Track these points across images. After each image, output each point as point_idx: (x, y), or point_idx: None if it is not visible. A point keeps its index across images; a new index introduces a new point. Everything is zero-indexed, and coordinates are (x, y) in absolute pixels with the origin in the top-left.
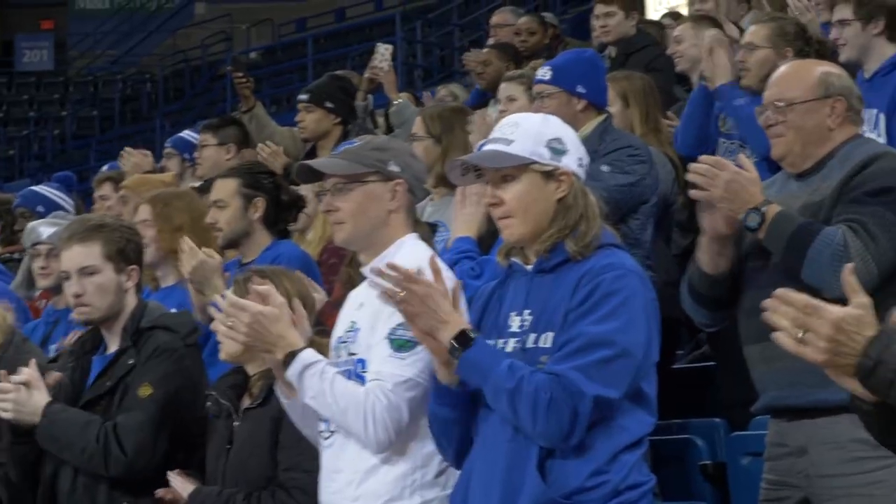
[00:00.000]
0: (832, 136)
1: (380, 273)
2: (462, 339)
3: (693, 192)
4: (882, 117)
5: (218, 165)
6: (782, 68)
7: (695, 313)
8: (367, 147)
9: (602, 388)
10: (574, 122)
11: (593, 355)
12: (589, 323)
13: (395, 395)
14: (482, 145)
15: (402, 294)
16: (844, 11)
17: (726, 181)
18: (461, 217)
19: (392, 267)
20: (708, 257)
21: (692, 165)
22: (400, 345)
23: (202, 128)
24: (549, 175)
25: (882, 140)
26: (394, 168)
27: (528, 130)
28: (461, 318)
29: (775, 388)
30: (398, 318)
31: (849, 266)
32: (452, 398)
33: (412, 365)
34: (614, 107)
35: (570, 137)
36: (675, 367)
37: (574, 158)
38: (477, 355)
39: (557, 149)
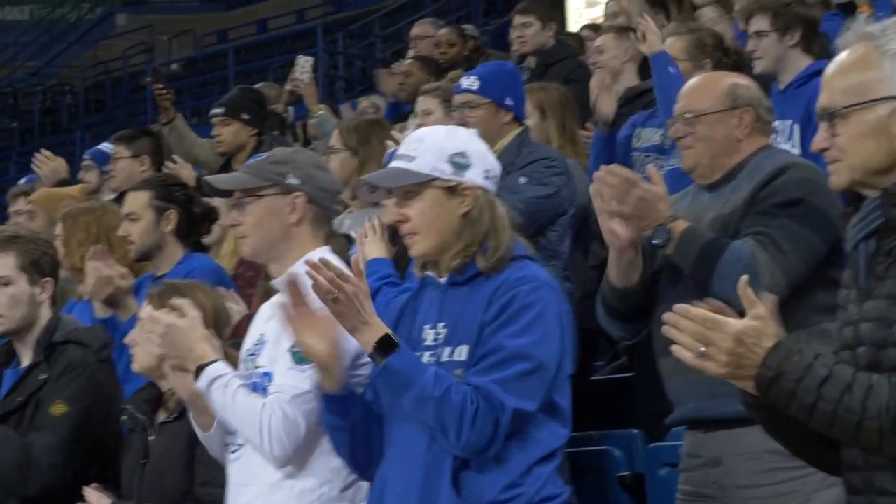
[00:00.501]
0: (741, 147)
1: (311, 270)
2: (385, 345)
3: (600, 206)
4: (797, 128)
5: (132, 177)
6: (692, 81)
7: (609, 326)
8: (269, 160)
9: (520, 401)
10: (498, 134)
11: (511, 369)
12: (506, 336)
13: (293, 408)
14: (388, 161)
15: (335, 292)
16: (761, 23)
17: (637, 198)
18: (371, 242)
19: (325, 263)
20: (617, 271)
21: (599, 177)
22: (300, 358)
23: (115, 140)
24: (453, 190)
25: (797, 151)
26: (293, 181)
27: (430, 146)
28: (383, 324)
29: (692, 399)
30: None
31: (744, 278)
32: (337, 405)
33: (312, 377)
34: (532, 118)
35: (476, 150)
36: (593, 378)
37: (479, 171)
38: (402, 362)
39: (460, 163)
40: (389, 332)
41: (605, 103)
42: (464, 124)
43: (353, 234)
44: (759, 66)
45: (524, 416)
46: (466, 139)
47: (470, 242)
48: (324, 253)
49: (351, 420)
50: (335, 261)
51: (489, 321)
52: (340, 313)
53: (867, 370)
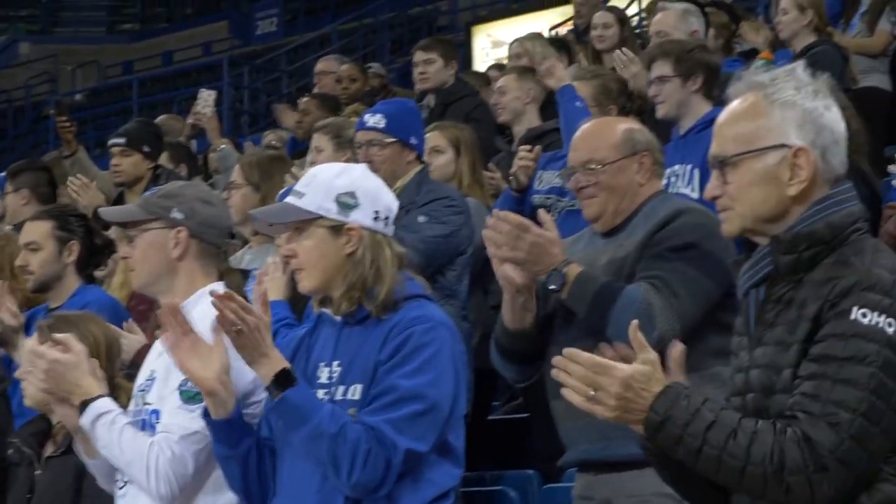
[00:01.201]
0: (640, 191)
1: (216, 301)
2: (283, 378)
3: (494, 252)
4: (696, 173)
5: (16, 212)
6: (583, 129)
7: (502, 368)
8: (157, 194)
9: (413, 442)
10: (401, 173)
11: (405, 409)
12: (400, 376)
13: (181, 448)
14: (282, 197)
15: (238, 324)
16: (664, 68)
17: (530, 243)
18: (271, 281)
19: (229, 296)
20: (511, 314)
21: (491, 223)
22: (189, 397)
23: (5, 172)
24: (337, 230)
25: (696, 195)
26: (177, 215)
27: (320, 184)
28: (283, 357)
29: (584, 441)
30: None
31: (634, 322)
32: (226, 433)
33: (201, 418)
34: (446, 154)
35: (367, 190)
36: (490, 417)
37: (368, 212)
38: (299, 397)
39: (347, 203)
40: (288, 366)
41: (523, 174)
42: (369, 162)
43: (252, 269)
44: (660, 111)
45: (417, 457)
46: (358, 179)
47: (353, 283)
48: (218, 288)
49: (241, 450)
50: None
51: (384, 361)
52: (242, 345)
53: (755, 416)
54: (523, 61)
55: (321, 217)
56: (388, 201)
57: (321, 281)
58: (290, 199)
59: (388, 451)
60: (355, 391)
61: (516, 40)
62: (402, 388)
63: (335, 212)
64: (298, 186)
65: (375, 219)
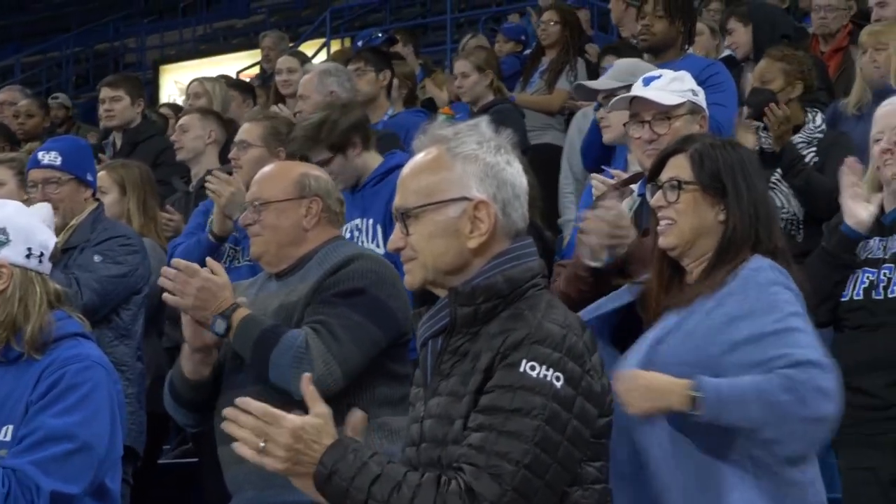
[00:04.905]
0: (308, 236)
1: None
2: None
3: (166, 297)
4: (380, 228)
5: None
6: (265, 169)
7: (175, 413)
8: None
9: (61, 484)
10: (79, 210)
11: (53, 449)
12: (50, 415)
13: None
14: None
15: None
16: (321, 155)
17: (198, 288)
18: None
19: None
20: (191, 365)
21: (163, 270)
22: None
23: None
24: None
25: (381, 251)
26: None
27: None
28: None
29: (250, 487)
30: None
31: (306, 376)
32: None
33: None
34: (111, 194)
35: (20, 227)
36: (161, 461)
37: (20, 250)
38: None
39: None
40: None
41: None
42: (47, 200)
43: None
44: (340, 186)
45: (66, 499)
46: (10, 215)
47: (1, 322)
48: None
49: None
50: None
51: (35, 401)
52: None
53: (428, 467)
54: (202, 101)
55: None
56: (44, 238)
57: None
58: None
59: (30, 493)
60: (7, 432)
61: (195, 80)
62: (50, 427)
63: None
64: None
65: (28, 256)
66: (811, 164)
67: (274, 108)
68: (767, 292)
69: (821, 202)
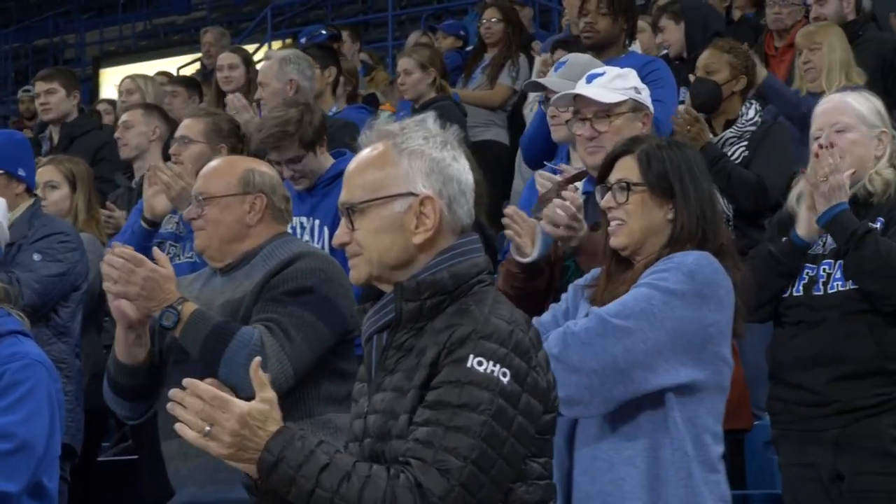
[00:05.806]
0: (252, 232)
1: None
2: None
3: (108, 287)
4: (326, 231)
5: None
6: (211, 163)
7: (114, 404)
8: None
9: (1, 482)
10: (11, 206)
11: None
12: None
13: None
14: None
15: None
16: (290, 152)
17: (143, 278)
18: None
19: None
20: (124, 347)
21: (107, 258)
22: None
23: None
24: None
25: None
26: None
27: None
28: None
29: (193, 484)
30: None
31: (256, 360)
32: None
33: None
34: (61, 189)
35: None
36: (100, 459)
37: None
38: None
39: None
40: None
41: (160, 202)
42: None
43: None
44: (301, 186)
45: (6, 498)
46: None
47: None
48: None
49: None
50: None
51: None
52: None
53: (372, 462)
54: (135, 97)
55: None
56: None
57: None
58: None
59: None
60: None
61: (127, 77)
62: None
63: None
64: None
65: None
66: (741, 158)
67: (236, 101)
68: (671, 262)
69: (746, 198)
